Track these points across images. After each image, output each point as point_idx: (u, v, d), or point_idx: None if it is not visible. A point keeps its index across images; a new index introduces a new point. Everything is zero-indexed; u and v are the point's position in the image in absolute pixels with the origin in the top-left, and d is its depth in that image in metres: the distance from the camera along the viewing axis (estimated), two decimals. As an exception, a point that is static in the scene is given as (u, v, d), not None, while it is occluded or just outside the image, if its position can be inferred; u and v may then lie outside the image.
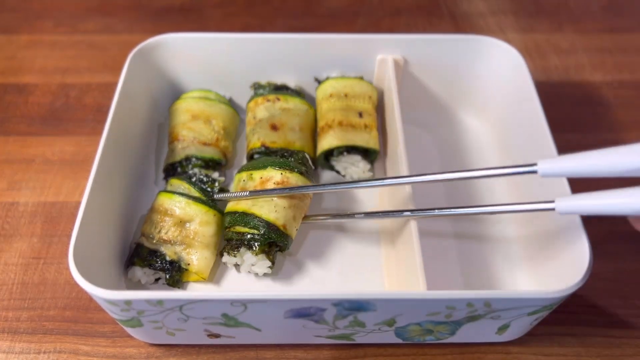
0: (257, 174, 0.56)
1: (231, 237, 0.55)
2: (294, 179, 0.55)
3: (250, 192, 0.55)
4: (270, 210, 0.54)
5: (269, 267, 0.55)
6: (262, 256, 0.54)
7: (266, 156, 0.61)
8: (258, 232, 0.53)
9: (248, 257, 0.54)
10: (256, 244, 0.53)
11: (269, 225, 0.53)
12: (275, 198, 0.54)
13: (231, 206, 0.56)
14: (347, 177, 0.65)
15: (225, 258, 0.56)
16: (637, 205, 0.40)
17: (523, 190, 0.60)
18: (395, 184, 0.52)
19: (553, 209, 0.45)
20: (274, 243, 0.55)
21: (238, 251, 0.54)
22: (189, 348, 0.53)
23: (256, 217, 0.53)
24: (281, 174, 0.55)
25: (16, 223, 0.62)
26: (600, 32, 0.88)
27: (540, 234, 0.56)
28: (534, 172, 0.44)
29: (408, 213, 0.52)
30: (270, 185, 0.55)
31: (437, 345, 0.53)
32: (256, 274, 0.56)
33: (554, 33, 0.88)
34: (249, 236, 0.54)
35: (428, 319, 0.47)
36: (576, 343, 0.53)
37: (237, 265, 0.57)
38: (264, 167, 0.56)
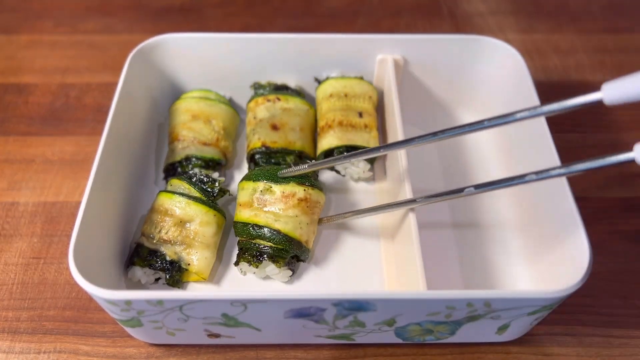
0: (279, 188, 0.56)
1: (251, 247, 0.55)
2: (315, 195, 0.56)
3: (309, 165, 0.55)
4: (295, 227, 0.54)
5: (290, 276, 0.56)
6: (284, 267, 0.55)
7: (268, 163, 0.62)
8: (283, 247, 0.54)
9: (271, 269, 0.55)
10: (283, 258, 0.54)
11: (294, 242, 0.54)
12: (298, 215, 0.55)
13: (249, 217, 0.56)
14: (346, 177, 0.65)
15: (245, 267, 0.56)
16: None
17: (522, 194, 0.60)
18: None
19: (601, 100, 0.40)
20: (296, 256, 0.56)
21: (260, 262, 0.55)
22: (189, 348, 0.53)
23: (281, 233, 0.54)
24: (304, 190, 0.56)
25: (16, 223, 0.62)
26: (600, 32, 0.88)
27: (540, 234, 0.56)
28: (599, 100, 0.40)
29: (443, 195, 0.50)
30: (294, 200, 0.55)
31: (437, 345, 0.53)
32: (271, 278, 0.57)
33: (554, 33, 0.88)
34: (270, 250, 0.54)
35: (428, 319, 0.47)
36: (576, 343, 0.53)
37: (253, 273, 0.57)
38: (286, 181, 0.56)
